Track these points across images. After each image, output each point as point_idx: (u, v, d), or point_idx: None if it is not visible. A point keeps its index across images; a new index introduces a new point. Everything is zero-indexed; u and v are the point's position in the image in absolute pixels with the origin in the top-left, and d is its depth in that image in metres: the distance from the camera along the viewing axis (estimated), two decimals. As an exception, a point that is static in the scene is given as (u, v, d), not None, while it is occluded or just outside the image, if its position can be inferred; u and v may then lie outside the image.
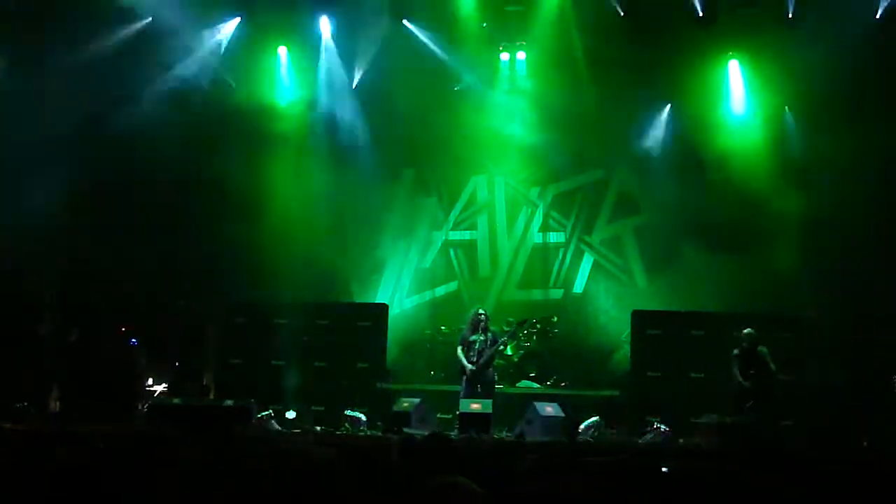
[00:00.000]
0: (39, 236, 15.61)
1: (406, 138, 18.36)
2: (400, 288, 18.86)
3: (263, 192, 17.59)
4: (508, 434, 14.67)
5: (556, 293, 18.79)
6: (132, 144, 16.74)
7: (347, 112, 18.42)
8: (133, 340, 16.51)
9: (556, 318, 18.34)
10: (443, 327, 18.18)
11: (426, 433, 12.49)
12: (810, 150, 16.93)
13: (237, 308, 17.20)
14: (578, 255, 18.79)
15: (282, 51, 18.25)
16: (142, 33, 17.07)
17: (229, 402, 14.69)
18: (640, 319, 16.62)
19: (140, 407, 15.24)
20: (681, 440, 14.21)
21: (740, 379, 14.42)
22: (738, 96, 17.67)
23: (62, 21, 15.90)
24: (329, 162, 18.07)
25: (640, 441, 14.58)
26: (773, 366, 14.39)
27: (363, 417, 15.29)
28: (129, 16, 16.89)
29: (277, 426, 14.86)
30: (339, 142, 18.30)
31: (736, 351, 14.58)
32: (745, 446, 12.76)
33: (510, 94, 18.45)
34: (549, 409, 15.12)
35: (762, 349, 14.47)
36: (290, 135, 18.15)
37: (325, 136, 18.29)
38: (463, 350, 15.02)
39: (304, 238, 17.13)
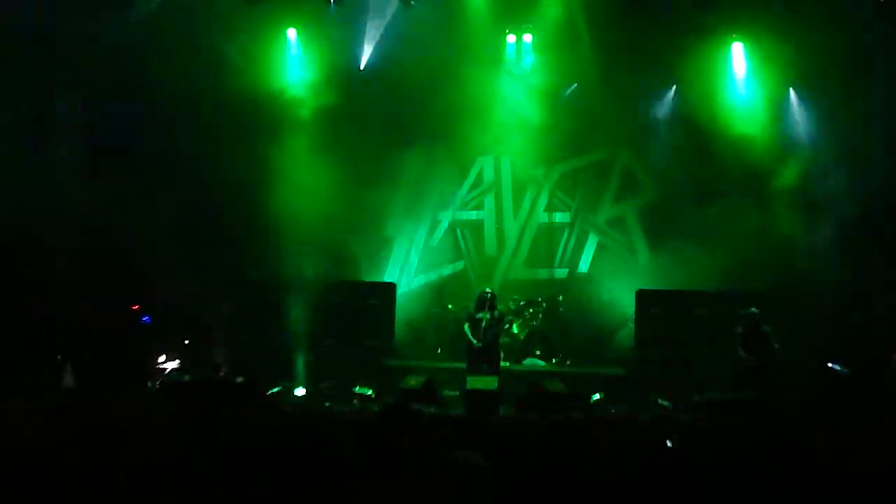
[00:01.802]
0: (56, 220, 15.62)
1: (413, 120, 18.32)
2: (408, 267, 18.87)
3: (273, 172, 17.49)
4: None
5: (562, 272, 18.80)
6: (148, 128, 16.80)
7: (355, 94, 18.34)
8: (145, 318, 16.51)
9: (561, 297, 18.39)
10: (450, 305, 18.21)
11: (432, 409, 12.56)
12: (812, 131, 16.95)
13: (248, 286, 17.18)
14: (584, 235, 18.82)
15: (291, 33, 18.17)
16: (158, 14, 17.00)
17: (239, 379, 14.68)
18: (644, 298, 16.68)
19: (151, 384, 15.25)
20: (683, 417, 14.20)
21: (745, 357, 14.52)
22: (741, 77, 17.61)
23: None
24: (337, 143, 17.97)
25: (642, 417, 14.59)
26: (776, 344, 14.47)
27: (371, 394, 15.31)
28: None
29: (288, 401, 14.87)
30: (346, 123, 18.21)
31: (740, 329, 14.68)
32: (747, 423, 12.77)
33: (516, 76, 18.36)
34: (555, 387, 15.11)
35: (766, 328, 14.54)
36: (299, 116, 18.15)
37: (333, 117, 18.19)
38: (470, 328, 15.03)
39: (314, 217, 17.07)
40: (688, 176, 17.65)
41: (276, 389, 14.97)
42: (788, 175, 17.01)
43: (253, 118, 17.67)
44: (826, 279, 15.88)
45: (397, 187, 18.62)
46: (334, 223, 17.50)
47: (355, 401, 15.14)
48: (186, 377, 15.05)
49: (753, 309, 14.72)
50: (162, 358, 16.23)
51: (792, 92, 17.43)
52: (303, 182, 17.21)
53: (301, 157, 17.58)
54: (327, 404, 14.93)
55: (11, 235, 15.18)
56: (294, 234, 16.94)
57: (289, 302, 16.68)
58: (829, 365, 15.38)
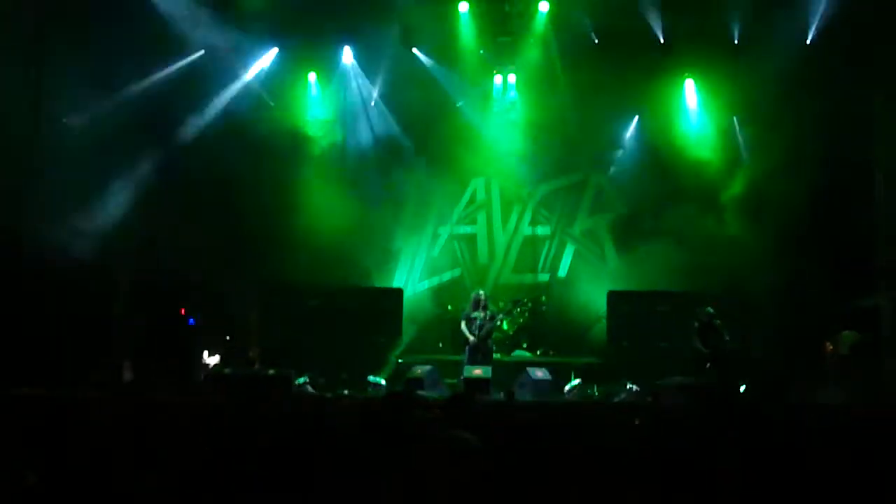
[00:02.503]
0: (118, 234, 15.74)
1: (416, 148, 18.37)
2: (413, 274, 18.90)
3: (298, 195, 17.63)
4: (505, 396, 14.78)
5: (544, 277, 18.83)
6: (193, 154, 16.93)
7: (366, 127, 18.43)
8: (191, 320, 16.58)
9: (544, 298, 18.47)
10: (449, 307, 18.28)
11: (437, 395, 12.63)
12: (753, 152, 17.18)
13: (277, 291, 17.23)
14: (562, 245, 18.85)
15: (311, 76, 18.28)
16: (196, 64, 17.11)
17: (271, 371, 14.77)
18: (615, 298, 16.80)
19: (199, 377, 15.31)
20: (649, 398, 14.30)
21: (700, 347, 14.68)
22: (693, 109, 17.78)
23: (133, 53, 15.94)
24: (352, 168, 18.16)
25: (614, 399, 14.70)
26: (727, 336, 14.61)
27: (383, 382, 15.43)
28: (185, 47, 16.91)
29: (312, 390, 14.97)
30: (359, 152, 18.32)
31: (696, 324, 14.85)
32: (704, 403, 12.87)
33: (503, 111, 18.45)
34: (540, 374, 15.26)
35: (717, 322, 14.69)
36: (320, 146, 18.25)
37: (348, 146, 18.32)
38: (466, 325, 15.12)
39: (332, 233, 17.15)
40: (650, 192, 17.76)
41: (301, 380, 15.02)
42: (734, 189, 17.20)
43: (281, 148, 17.77)
44: (769, 279, 16.00)
45: (403, 206, 18.67)
46: (349, 238, 17.56)
47: (369, 388, 15.21)
48: (227, 370, 15.17)
49: (708, 308, 14.90)
50: (206, 354, 16.28)
51: (735, 119, 17.59)
52: (323, 203, 17.33)
53: (321, 182, 17.70)
54: (345, 391, 15.00)
55: (80, 258, 15.26)
56: (315, 248, 17.09)
57: (311, 305, 16.79)
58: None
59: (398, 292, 17.52)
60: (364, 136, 18.44)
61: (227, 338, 16.79)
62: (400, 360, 16.74)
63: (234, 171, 17.15)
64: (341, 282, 17.45)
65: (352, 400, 13.70)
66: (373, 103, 18.45)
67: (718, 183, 17.31)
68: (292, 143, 18.00)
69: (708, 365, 14.73)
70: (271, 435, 6.28)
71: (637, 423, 7.48)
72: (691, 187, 17.27)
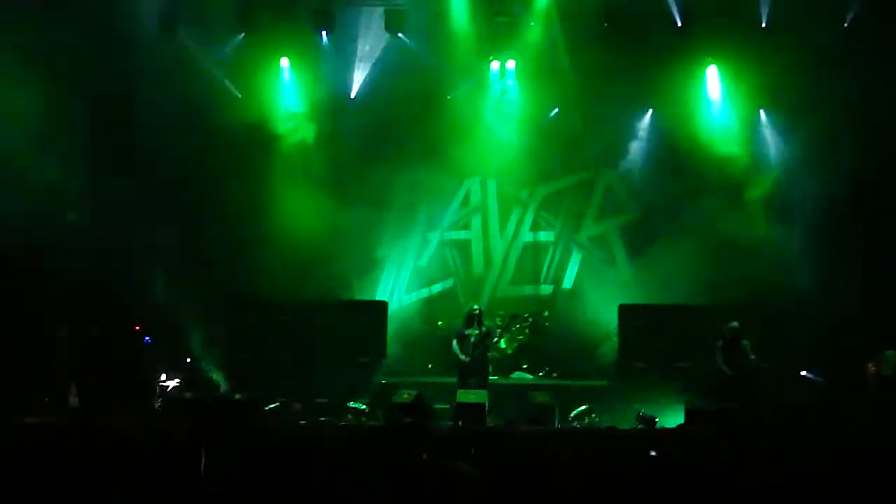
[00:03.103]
0: (60, 243, 15.67)
1: (402, 145, 18.26)
2: (398, 285, 18.86)
3: (269, 197, 17.60)
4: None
5: (547, 289, 18.83)
6: (149, 150, 16.94)
7: (346, 120, 18.39)
8: (146, 339, 16.51)
9: (546, 313, 18.46)
10: (439, 322, 18.25)
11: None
12: (783, 145, 17.27)
13: (245, 306, 17.20)
14: (567, 253, 18.84)
15: (284, 63, 18.22)
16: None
17: (238, 396, 14.73)
18: (627, 313, 16.78)
19: (155, 401, 15.25)
20: (666, 426, 14.26)
21: (724, 367, 14.67)
22: (715, 99, 17.78)
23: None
24: (330, 166, 18.11)
25: (626, 428, 14.65)
26: (753, 356, 14.61)
27: (365, 408, 15.34)
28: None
29: (284, 417, 14.92)
30: (338, 148, 18.28)
31: (720, 342, 14.86)
32: (727, 431, 12.83)
33: (501, 102, 18.42)
34: (542, 399, 15.19)
35: (745, 342, 14.71)
36: (294, 143, 18.20)
37: (325, 143, 18.28)
38: (458, 344, 15.11)
39: (307, 239, 17.18)
40: (666, 193, 17.78)
41: (273, 405, 14.97)
42: (761, 189, 17.26)
43: (249, 145, 17.75)
44: (801, 289, 16.02)
45: (387, 209, 18.65)
46: (327, 245, 17.56)
47: (350, 415, 15.16)
48: (188, 394, 15.10)
49: (734, 323, 14.90)
50: (163, 376, 16.22)
51: (762, 111, 17.63)
52: (296, 205, 17.31)
53: (294, 182, 17.67)
54: (323, 419, 14.94)
55: (14, 255, 15.19)
56: (288, 256, 17.11)
57: (283, 320, 16.76)
58: (803, 374, 15.48)
59: (382, 306, 17.49)
60: (343, 130, 18.39)
61: (188, 358, 16.70)
62: (384, 383, 16.67)
63: (195, 170, 17.15)
64: (317, 295, 17.42)
65: (330, 428, 13.64)
66: (353, 94, 18.41)
67: (743, 181, 17.39)
68: (262, 139, 17.96)
69: (732, 388, 14.70)
70: (238, 467, 6.25)
71: (653, 454, 7.45)
72: (713, 186, 17.29)
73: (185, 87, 17.19)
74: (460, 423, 13.68)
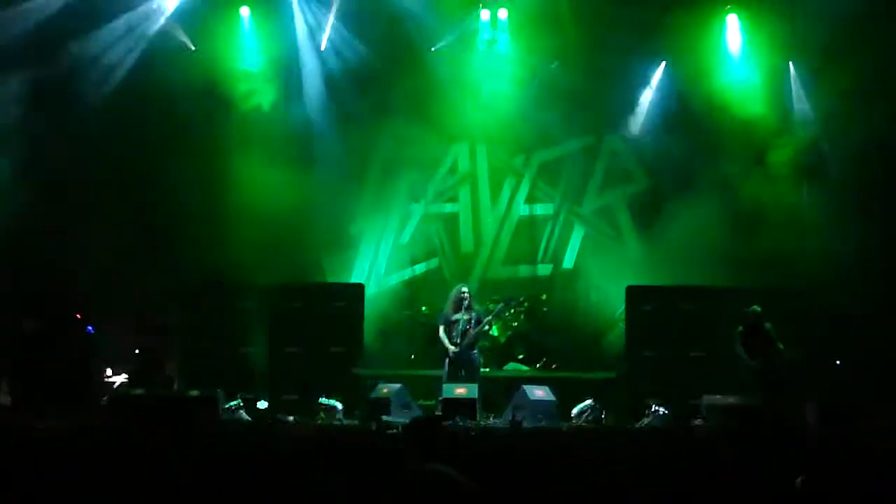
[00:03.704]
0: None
1: (380, 104, 18.24)
2: (376, 266, 18.81)
3: (227, 166, 17.54)
4: (496, 420, 14.75)
5: (545, 269, 18.81)
6: (90, 115, 16.88)
7: (316, 77, 18.32)
8: (89, 328, 16.45)
9: (544, 296, 18.48)
10: (423, 307, 18.25)
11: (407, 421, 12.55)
12: (813, 103, 17.32)
13: (201, 291, 17.16)
14: (568, 228, 18.82)
15: (244, 12, 18.09)
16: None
17: (195, 392, 14.73)
18: (636, 295, 16.77)
19: (99, 399, 15.19)
20: (681, 423, 14.27)
21: (745, 357, 14.66)
22: (736, 52, 17.74)
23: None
24: (298, 131, 18.07)
25: (637, 425, 14.68)
26: (779, 344, 14.61)
27: (339, 406, 15.33)
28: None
29: (247, 416, 14.90)
30: (307, 109, 18.23)
31: (740, 328, 14.84)
32: (752, 429, 12.84)
33: (491, 56, 18.35)
34: (540, 393, 15.23)
35: (768, 326, 14.69)
36: (254, 106, 18.14)
37: (293, 103, 18.22)
38: (445, 331, 15.09)
39: (274, 214, 17.14)
40: (681, 159, 17.75)
41: (234, 403, 14.95)
42: (788, 153, 17.24)
43: (204, 109, 17.68)
44: (837, 267, 16.05)
45: (363, 180, 18.63)
46: (294, 220, 17.58)
47: (322, 413, 15.15)
48: (137, 391, 15.05)
49: (755, 307, 14.88)
50: (109, 371, 16.17)
51: (790, 64, 17.60)
52: (260, 176, 17.24)
53: (257, 149, 17.61)
54: (291, 418, 14.91)
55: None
56: (251, 234, 17.00)
57: (247, 307, 16.72)
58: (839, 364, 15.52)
59: (358, 289, 17.45)
60: (313, 89, 18.33)
61: (137, 350, 16.66)
62: (360, 376, 16.65)
63: (142, 137, 17.07)
64: (284, 277, 17.39)
65: (299, 428, 13.61)
66: (323, 47, 18.31)
67: (768, 145, 17.37)
68: (220, 100, 17.89)
69: (756, 381, 14.72)
70: (194, 473, 6.23)
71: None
72: (733, 151, 17.36)
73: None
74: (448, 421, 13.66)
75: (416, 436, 5.76)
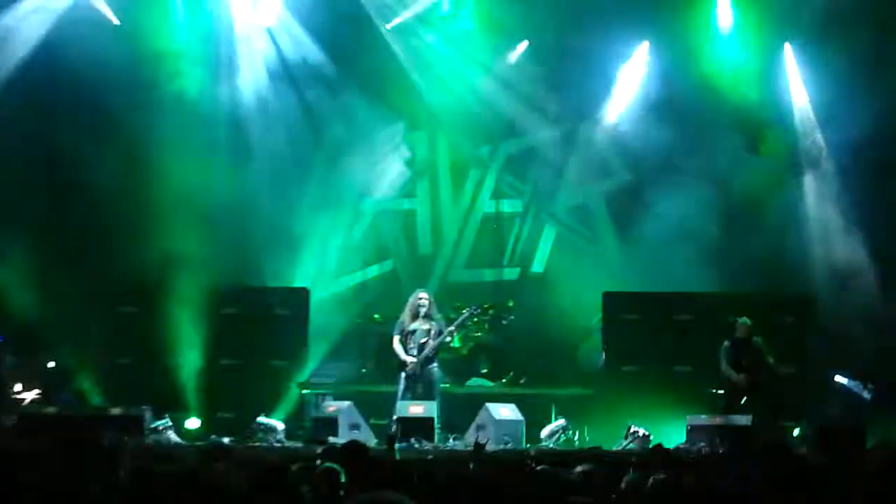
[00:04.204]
0: None
1: (328, 89, 18.25)
2: (323, 268, 18.71)
3: (156, 159, 17.42)
4: (456, 442, 14.73)
5: (512, 273, 18.90)
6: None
7: (255, 58, 18.29)
8: None
9: (511, 303, 18.55)
10: (376, 315, 18.28)
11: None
12: (813, 87, 17.46)
13: (125, 296, 17.08)
14: (538, 227, 18.91)
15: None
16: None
17: (116, 411, 14.63)
18: (614, 302, 16.90)
19: (6, 418, 15.04)
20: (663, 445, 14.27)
21: (731, 374, 14.72)
22: (727, 30, 17.82)
23: None
24: (235, 120, 18.07)
25: (614, 448, 14.69)
26: (770, 358, 14.66)
27: (280, 425, 15.28)
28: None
29: (177, 438, 14.83)
30: (246, 96, 18.19)
31: (727, 342, 14.89)
32: (740, 451, 12.88)
33: (454, 35, 18.41)
34: (505, 412, 15.22)
35: (757, 339, 14.77)
36: (188, 87, 17.96)
37: (231, 89, 18.17)
38: (401, 342, 15.09)
39: (208, 211, 17.15)
40: (665, 151, 17.82)
41: (162, 422, 14.87)
42: (783, 145, 17.31)
43: (130, 92, 17.52)
44: (840, 273, 16.15)
45: (309, 172, 18.56)
46: (231, 218, 17.54)
47: (259, 434, 15.08)
48: (51, 409, 14.95)
49: (745, 319, 14.94)
50: (18, 387, 16.01)
51: (788, 45, 17.69)
52: (193, 170, 17.17)
53: (190, 140, 17.55)
54: (226, 439, 14.82)
55: None
56: (181, 233, 16.90)
57: (176, 314, 16.59)
58: (839, 380, 15.55)
59: (302, 294, 17.43)
60: (253, 73, 18.28)
61: (51, 364, 16.54)
62: (304, 392, 16.60)
63: (53, 122, 16.97)
64: (219, 281, 17.28)
65: (236, 450, 13.50)
66: (267, 23, 18.28)
67: (763, 133, 17.49)
68: (147, 83, 17.72)
69: (743, 399, 14.78)
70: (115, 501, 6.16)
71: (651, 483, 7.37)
72: (724, 142, 17.47)
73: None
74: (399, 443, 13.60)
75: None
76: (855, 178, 16.66)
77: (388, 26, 18.23)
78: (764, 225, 16.78)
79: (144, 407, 14.75)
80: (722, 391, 15.04)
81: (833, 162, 17.03)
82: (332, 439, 14.07)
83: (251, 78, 18.23)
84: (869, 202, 16.59)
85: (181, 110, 17.78)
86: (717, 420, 14.47)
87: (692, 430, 14.36)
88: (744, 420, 14.34)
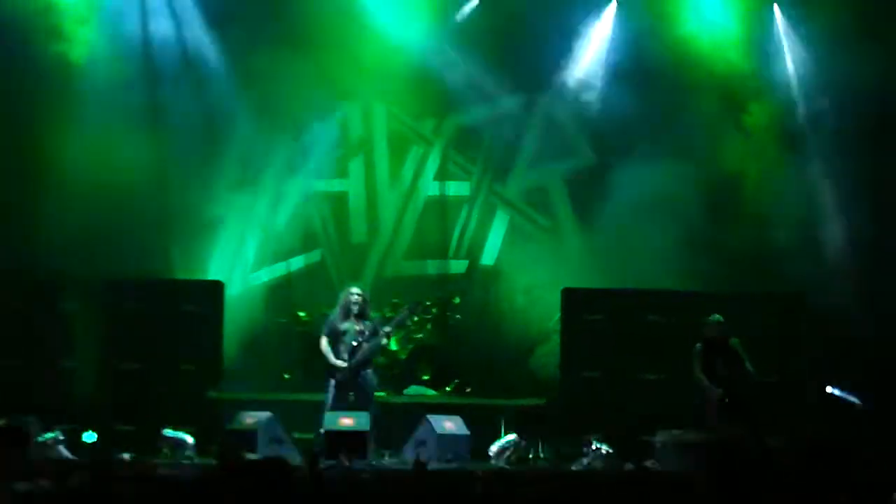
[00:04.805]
0: None
1: (246, 50, 18.21)
2: (241, 259, 18.72)
3: (38, 126, 17.39)
4: (392, 459, 14.78)
5: (459, 265, 18.93)
6: None
7: (164, 15, 18.27)
8: None
9: (458, 300, 18.64)
10: (301, 313, 18.33)
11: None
12: (803, 50, 17.71)
13: (9, 289, 16.94)
14: (490, 213, 18.96)
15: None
16: None
17: (-1, 422, 14.54)
18: (575, 300, 17.00)
19: None
20: (628, 464, 14.34)
21: (704, 382, 14.69)
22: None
23: None
24: (136, 85, 18.01)
25: (573, 467, 14.77)
26: (748, 364, 14.68)
27: (190, 440, 15.25)
28: None
29: (68, 453, 14.78)
30: (152, 57, 18.19)
31: (699, 346, 14.89)
32: (715, 471, 12.95)
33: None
34: (450, 425, 15.28)
35: (734, 342, 14.78)
36: (79, 46, 17.86)
37: (130, 48, 18.13)
38: (330, 344, 15.05)
39: (105, 192, 17.07)
40: (636, 127, 17.97)
41: (51, 435, 14.82)
42: (772, 118, 17.48)
43: (11, 50, 17.49)
44: (831, 265, 16.32)
45: (224, 147, 18.53)
46: (133, 199, 17.47)
47: (165, 449, 15.05)
48: None
49: (716, 316, 14.90)
50: None
51: (776, 9, 17.89)
52: (87, 144, 17.19)
53: (84, 108, 17.55)
54: (126, 455, 14.78)
55: None
56: (75, 217, 16.93)
57: (68, 309, 16.61)
58: (830, 391, 15.69)
59: (216, 288, 17.44)
60: (158, 31, 18.26)
61: None
62: (218, 401, 16.60)
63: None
64: (119, 272, 17.25)
65: (138, 467, 13.47)
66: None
67: (746, 105, 17.69)
68: (25, 39, 17.57)
69: (720, 411, 14.80)
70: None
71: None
72: (702, 113, 17.58)
73: None
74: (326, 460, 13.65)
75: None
76: (850, 153, 16.78)
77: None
78: (749, 211, 16.87)
79: (30, 418, 14.66)
80: (697, 402, 15.08)
81: (826, 135, 17.14)
82: (249, 456, 14.08)
83: (155, 34, 18.18)
84: (866, 178, 16.73)
85: (78, 73, 17.71)
86: (692, 436, 14.52)
87: (662, 448, 14.42)
88: (722, 436, 14.42)
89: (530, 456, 15.37)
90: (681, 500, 8.33)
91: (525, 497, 8.78)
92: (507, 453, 15.25)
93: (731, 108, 17.66)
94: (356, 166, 19.17)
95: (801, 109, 17.58)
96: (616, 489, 9.41)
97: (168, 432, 15.32)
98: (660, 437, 14.67)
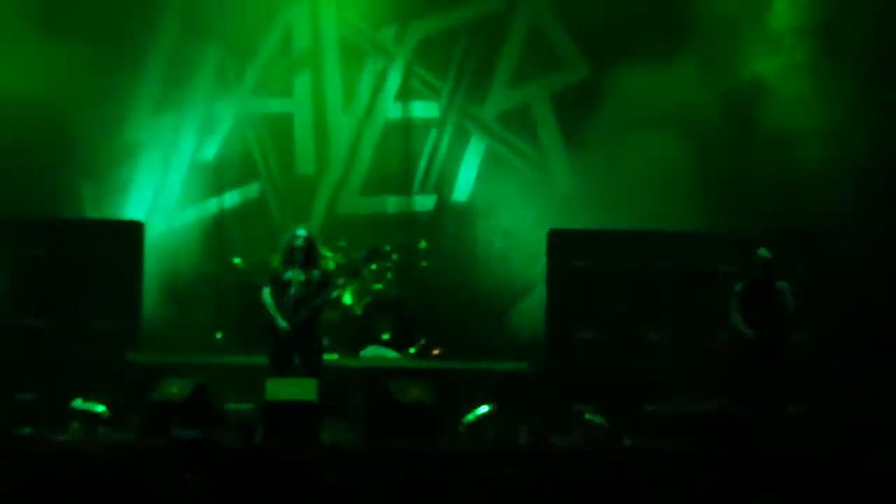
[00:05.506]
0: None
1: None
2: (165, 194, 18.74)
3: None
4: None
5: (426, 202, 19.00)
6: None
7: None
8: None
9: (424, 244, 18.65)
10: (236, 259, 18.38)
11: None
12: None
13: None
14: (462, 140, 19.00)
15: None
16: None
17: None
18: (563, 244, 17.00)
19: None
20: (626, 440, 14.47)
21: (744, 327, 14.58)
22: None
23: None
24: None
25: (560, 442, 14.88)
26: (792, 304, 14.54)
27: (104, 412, 15.29)
28: None
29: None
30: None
31: (739, 285, 14.77)
32: (730, 448, 13.03)
33: None
34: (415, 395, 15.34)
35: (782, 284, 14.60)
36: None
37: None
38: (273, 296, 15.05)
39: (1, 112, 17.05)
40: (633, 33, 17.98)
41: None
42: (803, 19, 17.56)
43: None
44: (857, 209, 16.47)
45: (143, 60, 18.55)
46: (35, 122, 17.42)
47: (76, 423, 15.11)
48: None
49: (763, 251, 14.78)
50: None
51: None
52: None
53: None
54: (27, 429, 14.86)
55: None
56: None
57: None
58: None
59: (135, 229, 17.47)
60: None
61: None
62: (138, 365, 16.63)
63: None
64: (20, 210, 17.27)
65: (41, 444, 13.55)
66: None
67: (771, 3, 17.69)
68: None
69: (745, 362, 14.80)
70: None
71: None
72: (718, 16, 17.59)
73: None
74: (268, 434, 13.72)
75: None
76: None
77: None
78: (767, 135, 16.96)
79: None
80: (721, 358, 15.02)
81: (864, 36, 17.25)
82: (175, 431, 14.14)
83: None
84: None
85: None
86: (703, 406, 14.57)
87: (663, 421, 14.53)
88: (744, 408, 14.43)
89: (509, 429, 15.43)
90: (683, 485, 8.45)
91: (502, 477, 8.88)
92: (482, 427, 15.32)
93: (748, 9, 17.62)
94: (302, 83, 19.18)
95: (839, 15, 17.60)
96: (610, 470, 9.51)
97: (78, 403, 15.38)
98: (664, 408, 14.73)
